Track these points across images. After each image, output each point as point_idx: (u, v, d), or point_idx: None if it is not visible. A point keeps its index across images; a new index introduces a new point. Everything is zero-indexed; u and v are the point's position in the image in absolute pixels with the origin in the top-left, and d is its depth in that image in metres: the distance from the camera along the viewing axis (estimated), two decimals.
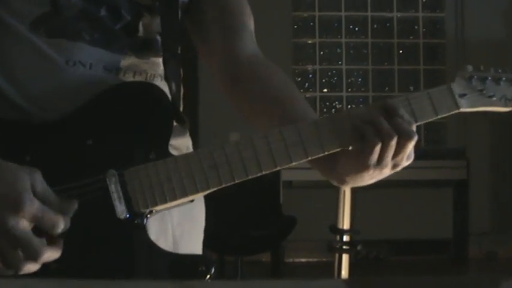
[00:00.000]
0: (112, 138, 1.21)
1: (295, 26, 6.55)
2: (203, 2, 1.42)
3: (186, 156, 1.22)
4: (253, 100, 1.39)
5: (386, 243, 6.12)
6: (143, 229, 1.19)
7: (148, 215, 1.19)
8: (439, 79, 6.32)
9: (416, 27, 6.60)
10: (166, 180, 1.18)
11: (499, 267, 5.98)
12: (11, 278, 1.08)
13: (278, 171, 5.57)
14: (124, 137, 1.21)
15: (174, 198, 1.19)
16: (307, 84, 6.54)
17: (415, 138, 1.23)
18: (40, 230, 1.08)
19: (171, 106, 1.27)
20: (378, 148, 1.21)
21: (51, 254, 1.09)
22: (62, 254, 1.12)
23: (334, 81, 6.56)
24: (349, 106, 6.52)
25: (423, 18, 6.61)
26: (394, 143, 1.21)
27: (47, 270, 1.11)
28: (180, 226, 1.35)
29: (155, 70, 1.36)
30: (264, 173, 1.22)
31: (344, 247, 3.35)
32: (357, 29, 6.59)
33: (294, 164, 1.24)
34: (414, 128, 1.25)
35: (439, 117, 1.30)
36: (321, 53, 6.56)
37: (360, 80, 6.58)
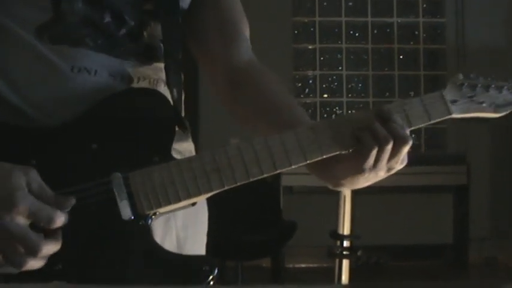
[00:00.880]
0: (116, 143, 1.23)
1: (296, 32, 6.55)
2: (202, 10, 1.44)
3: (189, 160, 1.24)
4: (250, 105, 1.41)
5: (386, 248, 6.12)
6: (147, 230, 1.22)
7: (153, 217, 1.22)
8: (440, 85, 6.31)
9: (416, 32, 6.60)
10: (169, 183, 1.21)
11: (498, 273, 5.98)
12: (15, 285, 1.12)
13: (279, 177, 5.59)
14: (128, 141, 1.23)
15: (178, 200, 1.22)
16: (307, 89, 6.54)
17: (410, 142, 1.27)
18: (37, 225, 1.11)
19: (173, 111, 1.29)
20: (374, 152, 1.25)
21: (50, 247, 1.12)
22: (67, 255, 1.15)
23: (334, 87, 6.56)
24: (349, 112, 6.52)
25: (423, 23, 6.61)
26: (390, 147, 1.25)
27: (52, 270, 1.15)
28: (184, 229, 1.38)
29: (158, 75, 1.38)
30: (265, 175, 1.25)
31: (344, 252, 3.36)
32: (357, 34, 6.60)
33: (294, 167, 1.27)
34: (408, 132, 1.28)
35: (431, 122, 1.35)
36: (321, 58, 6.56)
37: (360, 85, 6.58)
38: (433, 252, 6.26)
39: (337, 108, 6.54)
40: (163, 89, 1.35)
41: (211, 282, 1.22)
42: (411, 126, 1.31)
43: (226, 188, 1.24)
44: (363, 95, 6.53)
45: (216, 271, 1.22)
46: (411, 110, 1.31)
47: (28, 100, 1.25)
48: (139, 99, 1.27)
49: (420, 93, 6.37)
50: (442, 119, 1.36)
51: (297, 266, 6.20)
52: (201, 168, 1.22)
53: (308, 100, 6.50)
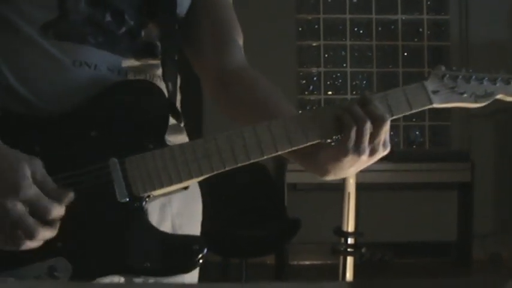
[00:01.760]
0: (114, 130, 1.33)
1: (300, 29, 6.55)
2: (198, 16, 1.54)
3: (181, 146, 1.33)
4: (240, 103, 1.50)
5: (390, 245, 6.12)
6: (142, 212, 1.32)
7: (147, 199, 1.33)
8: None
9: (420, 29, 6.60)
10: (163, 168, 1.31)
11: (502, 270, 5.98)
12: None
13: (283, 174, 5.60)
14: (125, 129, 1.33)
15: (170, 184, 1.32)
16: (311, 87, 6.54)
17: (387, 122, 1.34)
18: (34, 213, 1.20)
19: (167, 101, 1.40)
20: (353, 131, 1.33)
21: (46, 234, 1.22)
22: (68, 233, 1.26)
23: (338, 84, 6.56)
24: None
25: (428, 20, 6.61)
26: (368, 126, 1.33)
27: (53, 247, 1.25)
28: (179, 217, 1.47)
29: (154, 71, 1.47)
30: (252, 161, 1.34)
31: (348, 249, 3.35)
32: (361, 31, 6.59)
33: (279, 153, 1.35)
34: (389, 119, 1.36)
35: (413, 111, 1.42)
36: (326, 55, 6.56)
37: (364, 82, 6.58)
38: (437, 249, 6.26)
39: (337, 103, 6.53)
40: (159, 83, 1.45)
41: (201, 261, 1.32)
42: (393, 115, 1.38)
43: (215, 172, 1.33)
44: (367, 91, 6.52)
45: (205, 250, 1.32)
46: (393, 100, 1.39)
47: (34, 91, 1.35)
48: (136, 89, 1.37)
49: None
50: (423, 108, 1.43)
51: (301, 263, 6.21)
52: (192, 154, 1.31)
53: (312, 97, 6.51)
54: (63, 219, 1.24)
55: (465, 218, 6.08)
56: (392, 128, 1.38)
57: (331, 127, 1.36)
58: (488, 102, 1.46)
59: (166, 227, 1.42)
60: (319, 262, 6.10)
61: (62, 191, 1.24)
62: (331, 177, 1.40)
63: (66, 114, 1.32)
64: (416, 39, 6.61)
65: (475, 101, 1.45)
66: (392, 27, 6.60)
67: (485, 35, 6.38)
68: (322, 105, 6.49)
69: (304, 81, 6.54)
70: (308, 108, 6.44)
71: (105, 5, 1.39)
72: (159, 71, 1.48)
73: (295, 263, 6.15)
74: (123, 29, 1.41)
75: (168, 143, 1.36)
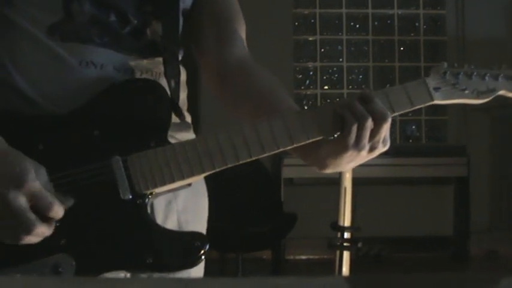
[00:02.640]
0: (116, 129, 1.34)
1: (296, 23, 6.55)
2: (202, 9, 1.56)
3: (182, 144, 1.34)
4: (240, 94, 1.51)
5: (387, 240, 6.13)
6: (144, 209, 1.33)
7: (149, 196, 1.34)
8: None
9: (417, 24, 6.61)
10: (165, 165, 1.32)
11: (499, 265, 5.99)
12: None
13: (279, 168, 5.60)
14: (127, 128, 1.34)
15: (172, 181, 1.33)
16: (308, 81, 6.55)
17: (389, 120, 1.35)
18: (36, 209, 1.22)
19: (169, 100, 1.40)
20: (354, 128, 1.33)
21: (43, 230, 1.23)
22: (72, 230, 1.28)
23: (335, 79, 6.56)
24: None
25: (424, 15, 6.61)
26: (369, 123, 1.33)
27: (57, 244, 1.27)
28: (185, 212, 1.48)
29: (160, 69, 1.47)
30: (253, 158, 1.35)
31: (345, 244, 3.35)
32: (357, 26, 6.59)
33: (281, 150, 1.35)
34: (390, 116, 1.36)
35: (415, 108, 1.41)
36: (322, 50, 6.56)
37: (360, 77, 6.58)
38: (433, 244, 6.27)
39: (337, 99, 6.52)
40: (164, 82, 1.45)
41: (203, 257, 1.33)
42: (394, 112, 1.38)
43: (217, 169, 1.34)
44: (363, 86, 6.53)
45: (207, 246, 1.33)
46: (394, 96, 1.39)
47: (41, 92, 1.36)
48: (138, 89, 1.38)
49: None
50: (424, 105, 1.43)
51: (297, 257, 6.21)
52: (193, 151, 1.32)
53: (309, 92, 6.51)
54: (67, 216, 1.26)
55: (462, 213, 6.09)
56: None
57: (332, 124, 1.36)
58: (491, 98, 1.46)
59: (172, 223, 1.44)
60: (315, 257, 6.11)
61: (62, 196, 1.26)
62: (329, 171, 1.41)
63: (70, 114, 1.34)
64: (412, 34, 6.61)
65: (477, 97, 1.45)
66: (389, 21, 6.60)
67: (482, 30, 6.39)
68: (318, 100, 6.50)
69: (300, 76, 6.54)
70: (304, 102, 6.44)
71: (109, 6, 1.42)
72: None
73: (292, 257, 6.15)
74: (128, 28, 1.43)
75: (175, 140, 1.37)
